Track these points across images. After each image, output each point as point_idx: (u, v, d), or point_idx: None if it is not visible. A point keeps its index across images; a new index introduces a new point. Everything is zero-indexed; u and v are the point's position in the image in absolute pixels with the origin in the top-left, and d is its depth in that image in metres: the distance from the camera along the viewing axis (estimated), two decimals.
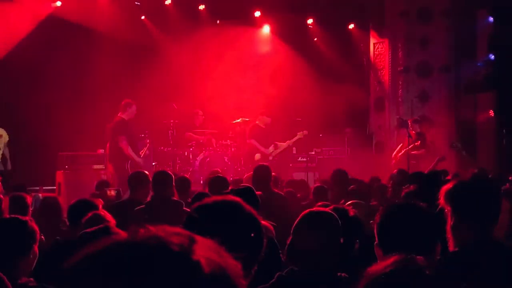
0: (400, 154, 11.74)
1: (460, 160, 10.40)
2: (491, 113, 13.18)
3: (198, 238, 0.91)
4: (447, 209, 2.42)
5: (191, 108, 12.30)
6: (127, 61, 12.60)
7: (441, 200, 2.43)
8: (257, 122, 11.73)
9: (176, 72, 13.02)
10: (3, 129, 10.73)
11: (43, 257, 4.11)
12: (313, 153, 12.72)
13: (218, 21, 14.37)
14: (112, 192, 7.77)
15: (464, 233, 2.40)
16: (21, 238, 3.24)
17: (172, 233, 0.90)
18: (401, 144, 12.12)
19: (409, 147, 11.44)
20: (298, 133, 11.88)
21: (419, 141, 11.57)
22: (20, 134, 11.10)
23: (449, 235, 2.46)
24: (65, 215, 6.30)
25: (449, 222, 2.44)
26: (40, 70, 12.05)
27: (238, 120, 12.36)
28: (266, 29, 14.86)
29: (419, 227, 2.44)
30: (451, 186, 2.44)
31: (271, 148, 11.61)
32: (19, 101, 11.57)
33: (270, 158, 11.39)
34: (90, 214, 3.61)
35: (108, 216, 3.69)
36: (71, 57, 12.50)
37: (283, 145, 11.72)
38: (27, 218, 3.43)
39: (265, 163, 7.89)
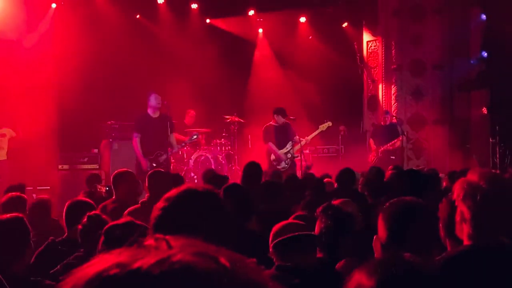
0: (381, 150, 11.90)
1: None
2: (485, 110, 13.22)
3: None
4: (458, 204, 2.41)
5: (183, 108, 12.25)
6: (122, 60, 12.55)
7: (455, 195, 2.42)
8: (271, 122, 10.85)
9: (171, 71, 13.01)
10: (8, 129, 10.76)
11: (38, 256, 4.12)
12: (307, 151, 12.70)
13: (208, 20, 14.35)
14: (102, 189, 7.75)
15: (472, 232, 2.39)
16: (20, 235, 3.27)
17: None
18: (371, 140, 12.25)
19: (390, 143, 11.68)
20: (320, 126, 11.00)
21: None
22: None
23: (458, 231, 2.46)
24: (55, 214, 6.30)
25: (457, 218, 2.44)
26: (35, 68, 12.00)
27: (233, 119, 12.36)
28: (259, 28, 14.86)
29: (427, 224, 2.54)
30: (471, 183, 2.40)
31: (288, 145, 10.73)
32: (14, 100, 11.51)
33: (287, 161, 10.64)
34: (89, 214, 3.60)
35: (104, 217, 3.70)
36: (66, 56, 12.47)
37: (303, 141, 10.76)
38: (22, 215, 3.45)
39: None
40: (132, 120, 10.06)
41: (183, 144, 10.12)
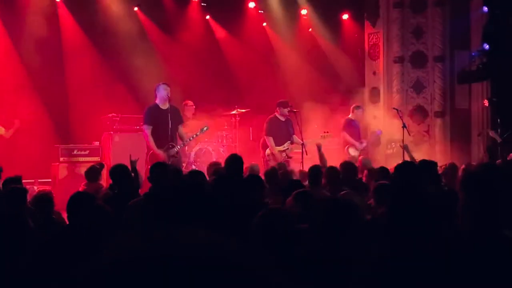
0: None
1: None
2: (486, 102, 13.21)
3: None
4: (461, 195, 2.41)
5: (181, 100, 12.20)
6: (121, 52, 12.54)
7: (457, 186, 2.43)
8: (275, 114, 10.79)
9: (170, 63, 13.00)
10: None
11: (41, 248, 4.12)
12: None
13: (208, 17, 14.30)
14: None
15: (471, 220, 2.39)
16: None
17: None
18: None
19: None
20: (321, 135, 10.87)
21: None
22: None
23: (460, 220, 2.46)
24: (57, 206, 6.30)
25: (459, 210, 2.44)
26: (35, 62, 11.99)
27: (234, 112, 12.35)
28: (259, 19, 14.83)
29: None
30: (465, 173, 2.43)
31: (286, 145, 10.67)
32: (14, 93, 11.51)
33: (282, 157, 10.46)
34: (93, 206, 3.61)
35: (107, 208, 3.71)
36: (66, 49, 12.47)
37: (299, 143, 10.55)
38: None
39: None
40: (135, 113, 9.98)
41: (194, 135, 9.90)
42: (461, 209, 2.46)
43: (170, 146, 9.10)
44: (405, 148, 9.63)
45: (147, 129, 9.02)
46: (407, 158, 9.71)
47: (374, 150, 12.76)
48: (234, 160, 6.38)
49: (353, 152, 11.66)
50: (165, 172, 5.59)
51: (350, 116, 11.98)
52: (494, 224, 2.38)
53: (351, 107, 12.13)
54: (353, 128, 11.87)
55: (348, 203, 3.46)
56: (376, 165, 8.87)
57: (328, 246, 3.34)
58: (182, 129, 9.48)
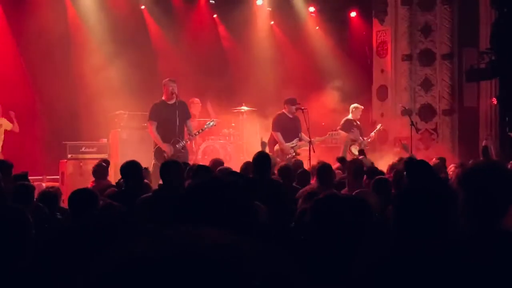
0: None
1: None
2: (494, 100, 13.15)
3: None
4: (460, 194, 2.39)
5: (188, 97, 12.19)
6: (129, 50, 12.56)
7: (455, 184, 2.41)
8: (283, 111, 10.82)
9: (177, 60, 13.00)
10: (4, 119, 10.78)
11: (45, 245, 4.12)
12: (314, 139, 12.67)
13: (215, 15, 14.32)
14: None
15: (470, 219, 2.36)
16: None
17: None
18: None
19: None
20: (328, 133, 11.18)
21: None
22: (23, 123, 11.09)
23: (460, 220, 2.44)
24: (66, 203, 6.31)
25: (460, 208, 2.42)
26: (42, 59, 12.02)
27: (241, 109, 12.34)
28: (267, 17, 14.83)
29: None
30: (462, 170, 2.41)
31: (294, 141, 10.72)
32: (22, 90, 11.55)
33: (289, 155, 10.40)
34: (104, 203, 3.61)
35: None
36: (71, 46, 12.49)
37: (307, 140, 10.52)
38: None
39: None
40: (142, 110, 9.99)
41: (200, 131, 9.94)
42: (460, 207, 2.43)
43: (176, 141, 9.12)
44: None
45: (152, 125, 9.11)
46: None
47: (381, 148, 12.75)
48: (263, 159, 6.30)
49: (355, 150, 11.65)
50: (178, 170, 5.57)
51: (349, 116, 11.91)
52: (494, 220, 2.35)
53: (350, 107, 12.06)
54: (354, 128, 11.84)
55: (361, 201, 3.45)
56: (382, 162, 8.89)
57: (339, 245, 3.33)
58: (190, 124, 9.52)
